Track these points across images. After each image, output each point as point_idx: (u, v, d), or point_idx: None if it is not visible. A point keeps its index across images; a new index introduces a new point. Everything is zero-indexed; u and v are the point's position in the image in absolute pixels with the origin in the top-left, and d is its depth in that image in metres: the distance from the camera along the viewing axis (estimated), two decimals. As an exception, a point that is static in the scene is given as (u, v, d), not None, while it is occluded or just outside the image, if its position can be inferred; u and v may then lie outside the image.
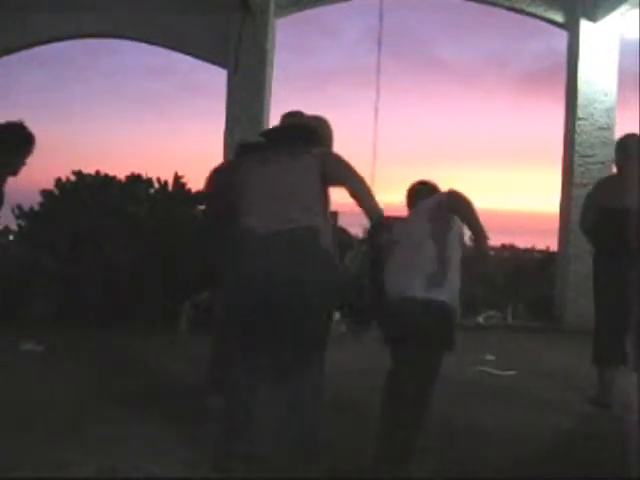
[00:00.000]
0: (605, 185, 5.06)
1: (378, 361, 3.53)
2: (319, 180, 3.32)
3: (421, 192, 3.83)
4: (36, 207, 7.61)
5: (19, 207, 7.73)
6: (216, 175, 4.33)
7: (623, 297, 4.49)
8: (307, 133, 3.47)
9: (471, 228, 3.32)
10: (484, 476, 3.47)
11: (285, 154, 3.38)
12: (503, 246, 10.23)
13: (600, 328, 4.89)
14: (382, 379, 3.39)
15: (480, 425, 4.18)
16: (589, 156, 7.65)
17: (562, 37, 8.05)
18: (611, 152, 7.67)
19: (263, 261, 3.14)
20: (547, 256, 9.39)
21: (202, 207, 5.17)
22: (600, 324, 4.90)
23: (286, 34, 8.42)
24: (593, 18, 7.69)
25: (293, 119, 3.83)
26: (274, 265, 3.12)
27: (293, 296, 3.11)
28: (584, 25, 7.73)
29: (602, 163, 7.68)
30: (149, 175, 8.00)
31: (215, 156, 7.32)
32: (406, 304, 3.22)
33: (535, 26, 8.31)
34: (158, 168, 6.73)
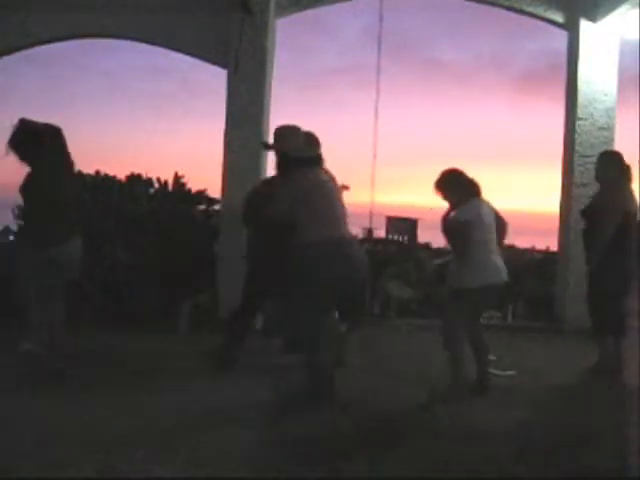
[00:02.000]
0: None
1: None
2: None
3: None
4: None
5: (19, 207, 7.72)
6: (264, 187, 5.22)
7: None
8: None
9: None
10: (484, 476, 3.47)
11: (323, 172, 4.60)
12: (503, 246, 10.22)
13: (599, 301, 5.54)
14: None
15: (480, 425, 4.18)
16: (589, 156, 7.63)
17: (562, 37, 8.05)
18: (611, 152, 7.69)
19: (344, 257, 4.40)
20: (547, 256, 9.39)
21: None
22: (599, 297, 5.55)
23: (286, 34, 8.41)
24: (593, 18, 7.69)
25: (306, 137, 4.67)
26: (350, 259, 4.45)
27: (361, 280, 4.75)
28: (584, 25, 7.73)
29: (602, 163, 7.67)
30: (149, 175, 8.01)
31: (215, 156, 7.33)
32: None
33: (535, 26, 8.31)
34: (158, 168, 6.73)
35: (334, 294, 4.46)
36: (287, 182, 4.49)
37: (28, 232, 4.98)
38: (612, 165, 5.65)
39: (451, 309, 4.90)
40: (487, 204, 4.96)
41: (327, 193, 4.54)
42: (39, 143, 4.76)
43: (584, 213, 5.79)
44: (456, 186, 4.90)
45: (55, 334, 4.86)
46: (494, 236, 4.94)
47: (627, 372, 5.32)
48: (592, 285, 5.63)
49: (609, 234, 5.36)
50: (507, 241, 10.79)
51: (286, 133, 4.60)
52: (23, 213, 5.18)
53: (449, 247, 5.11)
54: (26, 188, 4.75)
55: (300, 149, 4.55)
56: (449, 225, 4.87)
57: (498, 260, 4.93)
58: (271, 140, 4.81)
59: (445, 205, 5.02)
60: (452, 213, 4.89)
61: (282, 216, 4.47)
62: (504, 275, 4.93)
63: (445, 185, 4.93)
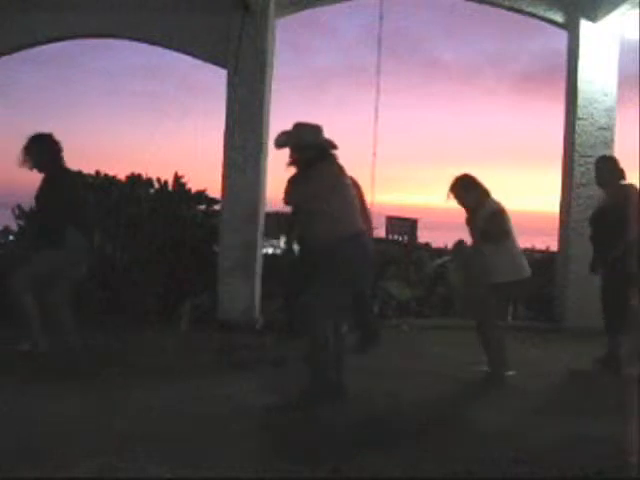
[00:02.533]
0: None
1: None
2: None
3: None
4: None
5: (19, 207, 7.73)
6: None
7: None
8: None
9: None
10: (484, 476, 3.47)
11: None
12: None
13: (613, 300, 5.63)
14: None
15: (480, 425, 4.18)
16: (589, 156, 7.63)
17: (562, 37, 8.05)
18: (611, 152, 7.70)
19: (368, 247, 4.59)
20: (547, 256, 9.39)
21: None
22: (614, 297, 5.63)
23: (286, 34, 8.42)
24: (593, 18, 7.69)
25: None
26: (370, 249, 4.64)
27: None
28: (584, 25, 7.73)
29: (602, 163, 7.67)
30: (149, 175, 8.01)
31: (215, 156, 7.33)
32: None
33: (535, 26, 8.32)
34: (158, 168, 6.74)
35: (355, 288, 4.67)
36: (320, 172, 4.47)
37: (51, 234, 5.24)
38: (616, 168, 5.83)
39: (485, 302, 5.13)
40: None
41: (351, 187, 4.68)
42: (54, 150, 5.33)
43: (597, 218, 5.89)
44: (472, 188, 5.21)
45: (67, 332, 5.27)
46: None
47: (627, 370, 5.32)
48: (611, 283, 5.68)
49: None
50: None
51: (313, 128, 4.60)
52: (43, 217, 5.47)
53: (481, 243, 5.18)
54: (48, 193, 5.26)
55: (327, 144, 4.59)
56: (481, 217, 5.12)
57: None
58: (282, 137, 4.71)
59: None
60: (476, 214, 5.19)
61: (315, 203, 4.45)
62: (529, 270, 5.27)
63: (462, 188, 5.21)
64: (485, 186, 5.26)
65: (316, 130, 4.57)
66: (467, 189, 5.22)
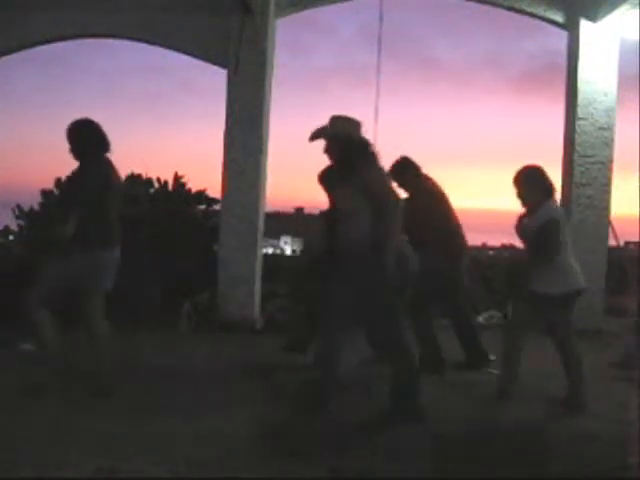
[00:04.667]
0: None
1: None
2: None
3: None
4: (36, 207, 7.61)
5: (19, 207, 7.73)
6: None
7: None
8: None
9: None
10: (484, 476, 3.47)
11: None
12: (503, 246, 10.23)
13: None
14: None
15: (480, 425, 4.18)
16: (589, 156, 7.64)
17: (562, 37, 8.05)
18: (611, 152, 7.71)
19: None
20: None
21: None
22: None
23: (286, 34, 8.42)
24: (593, 18, 7.68)
25: None
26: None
27: None
28: (584, 25, 7.72)
29: (602, 163, 7.68)
30: (149, 175, 8.01)
31: (215, 156, 7.34)
32: None
33: (535, 26, 8.32)
34: (158, 168, 6.74)
35: None
36: (365, 172, 4.17)
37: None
38: None
39: (560, 320, 4.72)
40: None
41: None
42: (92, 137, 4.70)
43: None
44: (538, 185, 4.65)
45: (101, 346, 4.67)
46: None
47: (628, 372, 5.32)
48: None
49: None
50: (507, 241, 10.73)
51: (352, 121, 4.30)
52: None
53: (531, 252, 4.68)
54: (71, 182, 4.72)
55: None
56: (534, 227, 4.56)
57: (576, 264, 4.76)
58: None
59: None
60: (530, 215, 4.64)
61: None
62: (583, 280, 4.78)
63: (528, 182, 4.66)
64: (552, 185, 4.70)
65: (355, 124, 4.26)
66: (532, 184, 4.63)
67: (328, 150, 4.27)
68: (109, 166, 4.72)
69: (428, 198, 5.65)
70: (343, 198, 4.17)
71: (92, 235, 4.54)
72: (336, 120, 4.28)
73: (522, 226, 4.68)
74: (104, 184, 4.60)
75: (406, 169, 5.73)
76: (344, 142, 4.17)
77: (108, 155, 4.71)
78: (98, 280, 4.67)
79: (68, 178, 4.71)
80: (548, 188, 4.67)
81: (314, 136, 4.28)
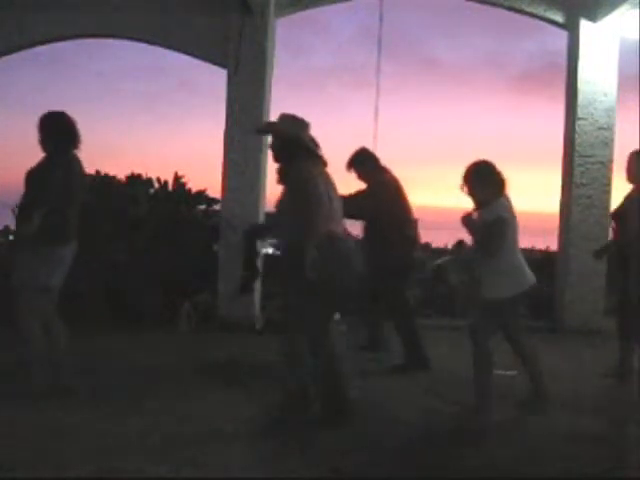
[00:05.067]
0: None
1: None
2: None
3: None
4: (36, 207, 7.59)
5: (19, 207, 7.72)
6: None
7: None
8: None
9: None
10: (484, 475, 3.47)
11: None
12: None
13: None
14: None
15: (480, 425, 4.18)
16: (589, 156, 7.64)
17: (562, 37, 8.05)
18: (611, 152, 7.71)
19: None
20: (547, 256, 9.38)
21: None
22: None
23: (286, 34, 8.42)
24: (593, 18, 7.68)
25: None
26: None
27: None
28: (584, 25, 7.72)
29: (602, 163, 7.68)
30: (149, 175, 8.00)
31: (215, 156, 7.33)
32: None
33: (535, 26, 8.32)
34: (158, 168, 6.74)
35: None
36: (298, 170, 4.13)
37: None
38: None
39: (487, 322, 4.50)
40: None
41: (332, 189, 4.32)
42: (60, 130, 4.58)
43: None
44: (487, 181, 4.41)
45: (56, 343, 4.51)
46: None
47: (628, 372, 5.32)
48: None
49: None
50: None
51: (298, 121, 4.27)
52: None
53: (475, 250, 4.56)
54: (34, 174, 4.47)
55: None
56: (481, 223, 4.39)
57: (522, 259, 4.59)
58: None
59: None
60: (478, 212, 4.45)
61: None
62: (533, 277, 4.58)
63: (476, 178, 4.41)
64: (504, 180, 4.45)
65: (301, 124, 4.25)
66: (482, 180, 4.40)
67: (272, 147, 4.29)
68: (78, 163, 4.62)
69: (388, 189, 5.69)
70: (281, 197, 4.20)
71: (51, 230, 4.34)
72: (284, 118, 4.28)
73: (468, 220, 4.44)
74: (72, 181, 4.50)
75: (366, 160, 5.79)
76: (287, 141, 4.18)
77: (76, 152, 4.61)
78: (53, 276, 4.45)
79: (34, 171, 4.46)
80: (499, 184, 4.43)
81: (260, 131, 4.47)
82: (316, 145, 4.30)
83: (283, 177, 4.19)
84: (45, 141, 4.50)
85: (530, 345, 4.61)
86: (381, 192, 5.62)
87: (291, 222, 4.02)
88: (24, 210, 4.45)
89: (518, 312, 4.63)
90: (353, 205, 5.29)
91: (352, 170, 5.78)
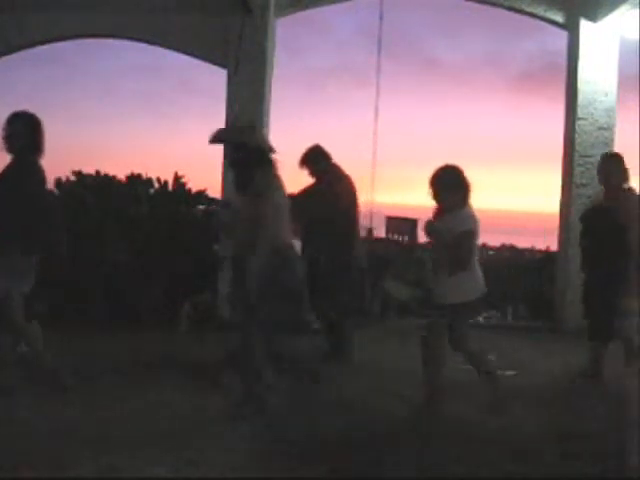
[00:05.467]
0: None
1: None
2: None
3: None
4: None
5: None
6: None
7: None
8: None
9: None
10: (484, 476, 3.47)
11: None
12: (503, 246, 10.23)
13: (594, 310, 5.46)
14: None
15: (480, 425, 4.18)
16: (589, 156, 7.64)
17: (562, 37, 8.06)
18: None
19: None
20: (547, 256, 9.39)
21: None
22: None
23: (286, 34, 8.42)
24: (593, 18, 7.69)
25: None
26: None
27: None
28: (584, 25, 7.73)
29: (602, 163, 7.68)
30: (149, 175, 8.00)
31: (215, 156, 7.32)
32: None
33: (535, 26, 8.33)
34: (158, 168, 6.73)
35: None
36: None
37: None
38: (622, 167, 5.50)
39: (458, 328, 4.43)
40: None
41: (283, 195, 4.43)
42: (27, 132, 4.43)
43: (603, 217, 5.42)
44: (454, 187, 4.32)
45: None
46: None
47: (629, 372, 5.32)
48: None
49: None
50: (507, 241, 10.74)
51: (249, 127, 4.48)
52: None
53: (442, 260, 4.40)
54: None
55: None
56: (446, 231, 4.30)
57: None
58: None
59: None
60: (444, 218, 4.36)
61: None
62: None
63: (443, 183, 4.32)
64: (469, 185, 4.37)
65: (251, 130, 4.37)
66: (450, 187, 4.31)
67: (236, 158, 4.31)
68: (41, 168, 4.49)
69: (343, 186, 5.74)
70: (242, 205, 4.23)
71: (20, 236, 4.29)
72: (241, 128, 4.45)
73: (432, 227, 4.41)
74: (40, 187, 4.45)
75: (319, 158, 5.81)
76: (253, 151, 4.21)
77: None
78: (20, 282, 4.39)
79: (2, 176, 4.34)
80: (465, 190, 4.35)
81: (213, 140, 4.34)
82: (270, 148, 4.36)
83: (247, 186, 4.22)
84: (13, 141, 4.36)
85: (473, 346, 4.53)
86: (337, 189, 5.67)
87: (250, 230, 4.10)
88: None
89: (476, 315, 4.67)
90: (305, 204, 5.44)
91: (305, 167, 5.80)
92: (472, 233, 4.34)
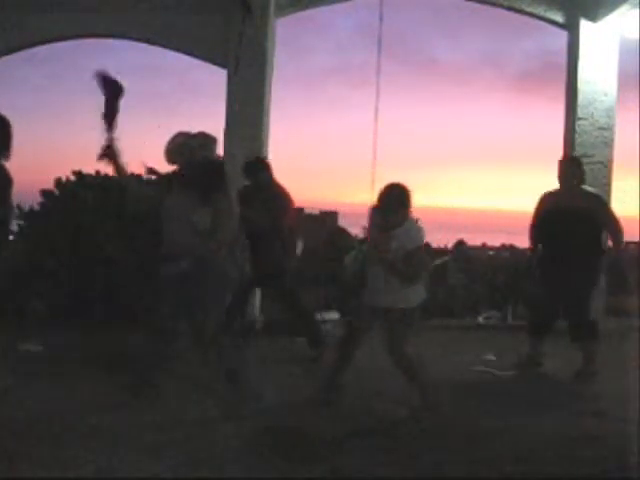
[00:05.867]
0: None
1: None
2: None
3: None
4: (36, 207, 7.60)
5: (19, 207, 7.72)
6: None
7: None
8: None
9: None
10: (484, 476, 3.47)
11: None
12: (503, 246, 10.22)
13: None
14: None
15: (480, 425, 4.18)
16: (589, 156, 7.64)
17: (562, 37, 8.05)
18: (611, 152, 7.71)
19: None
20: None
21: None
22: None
23: (286, 34, 8.41)
24: (593, 18, 7.69)
25: None
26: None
27: None
28: (584, 25, 7.73)
29: (602, 163, 7.69)
30: (149, 175, 7.99)
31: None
32: None
33: (535, 26, 8.32)
34: (158, 168, 6.72)
35: None
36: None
37: None
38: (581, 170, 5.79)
39: (398, 333, 4.49)
40: None
41: None
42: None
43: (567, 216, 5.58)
44: (403, 204, 4.44)
45: None
46: None
47: (629, 372, 5.32)
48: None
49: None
50: (507, 241, 10.72)
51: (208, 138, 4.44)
52: None
53: (393, 272, 4.37)
54: None
55: None
56: (397, 246, 4.35)
57: None
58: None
59: None
60: (392, 232, 4.39)
61: None
62: None
63: (398, 202, 4.44)
64: (411, 201, 4.47)
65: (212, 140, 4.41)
66: (404, 204, 4.43)
67: (199, 176, 4.31)
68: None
69: (280, 196, 5.86)
70: (202, 217, 4.25)
71: None
72: (205, 143, 4.39)
73: (382, 240, 4.41)
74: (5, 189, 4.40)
75: (261, 169, 5.95)
76: (215, 166, 4.35)
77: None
78: None
79: None
80: (409, 206, 4.46)
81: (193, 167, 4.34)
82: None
83: (208, 198, 4.24)
84: None
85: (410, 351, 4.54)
86: (276, 198, 5.79)
87: (197, 236, 4.23)
88: None
89: (414, 321, 4.61)
90: (252, 215, 5.66)
91: (247, 178, 5.95)
92: (421, 247, 4.52)
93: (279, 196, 5.87)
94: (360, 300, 4.56)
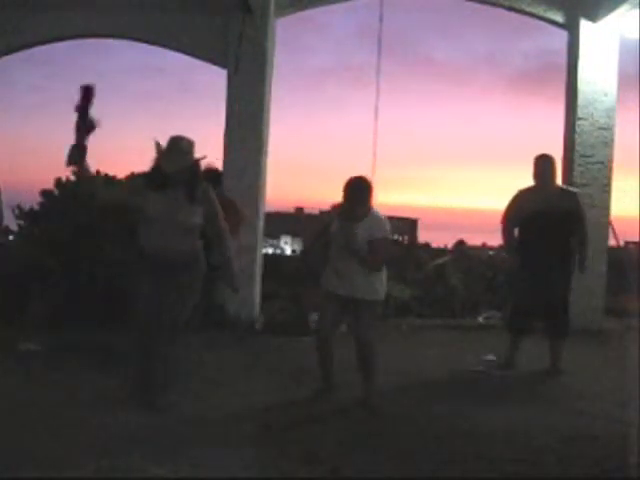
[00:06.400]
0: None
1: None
2: None
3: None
4: (36, 207, 7.60)
5: (19, 207, 7.72)
6: None
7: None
8: None
9: None
10: (484, 476, 3.47)
11: None
12: (503, 246, 10.23)
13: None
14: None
15: (480, 425, 4.18)
16: (589, 156, 7.65)
17: (562, 37, 8.06)
18: (611, 152, 7.72)
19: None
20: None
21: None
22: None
23: (286, 34, 8.42)
24: (593, 18, 7.69)
25: None
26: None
27: None
28: (584, 25, 7.73)
29: (602, 163, 7.69)
30: (149, 175, 7.99)
31: (215, 156, 7.33)
32: None
33: (535, 26, 8.33)
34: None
35: None
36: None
37: None
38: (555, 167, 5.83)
39: (368, 321, 4.62)
40: None
41: None
42: None
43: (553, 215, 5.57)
44: (367, 196, 4.56)
45: None
46: None
47: (629, 372, 5.32)
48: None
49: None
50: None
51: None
52: None
53: (361, 261, 4.49)
54: None
55: None
56: (363, 237, 4.46)
57: None
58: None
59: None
60: (357, 224, 4.49)
61: None
62: None
63: (365, 194, 4.55)
64: (373, 193, 4.60)
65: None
66: (367, 196, 4.55)
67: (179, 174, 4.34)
68: None
69: (234, 205, 5.95)
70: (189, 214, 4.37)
71: None
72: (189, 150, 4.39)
73: (346, 231, 4.49)
74: None
75: (219, 178, 6.10)
76: (190, 168, 4.35)
77: None
78: None
79: None
80: (371, 198, 4.59)
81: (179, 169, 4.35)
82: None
83: (194, 197, 4.35)
84: None
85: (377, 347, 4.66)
86: (232, 206, 5.78)
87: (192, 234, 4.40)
88: None
89: (380, 311, 4.88)
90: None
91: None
92: (388, 238, 4.69)
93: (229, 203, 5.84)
94: (325, 287, 4.64)
